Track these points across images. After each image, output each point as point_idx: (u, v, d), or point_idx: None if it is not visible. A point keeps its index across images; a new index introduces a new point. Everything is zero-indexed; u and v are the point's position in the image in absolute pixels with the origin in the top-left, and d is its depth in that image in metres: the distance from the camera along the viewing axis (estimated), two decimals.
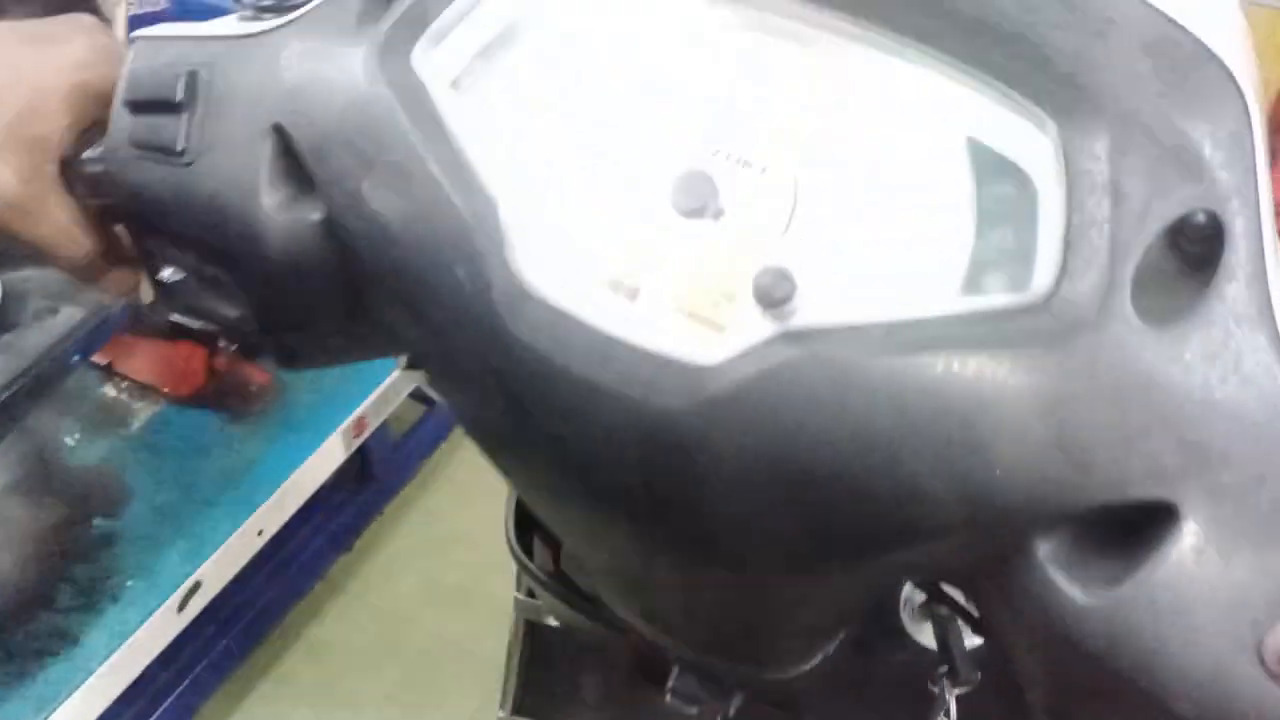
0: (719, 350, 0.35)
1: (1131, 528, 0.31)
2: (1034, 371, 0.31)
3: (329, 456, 1.82)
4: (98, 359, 1.81)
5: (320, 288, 0.45)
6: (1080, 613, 0.31)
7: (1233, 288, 0.31)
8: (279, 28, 0.44)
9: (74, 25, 0.51)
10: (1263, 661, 0.29)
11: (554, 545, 0.71)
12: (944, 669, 0.56)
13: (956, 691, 0.56)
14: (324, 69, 0.42)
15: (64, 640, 1.54)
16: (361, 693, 1.83)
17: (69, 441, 1.80)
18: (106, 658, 1.50)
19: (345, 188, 0.40)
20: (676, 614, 0.53)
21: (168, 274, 0.47)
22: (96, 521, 1.69)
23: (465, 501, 2.08)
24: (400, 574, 1.97)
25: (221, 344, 0.49)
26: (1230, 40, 0.33)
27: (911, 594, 0.59)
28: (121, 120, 0.46)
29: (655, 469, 0.37)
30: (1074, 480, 0.31)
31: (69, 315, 1.45)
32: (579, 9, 0.41)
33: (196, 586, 1.60)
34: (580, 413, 0.37)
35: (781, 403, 0.33)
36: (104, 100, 0.49)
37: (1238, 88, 0.32)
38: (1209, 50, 0.32)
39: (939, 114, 0.35)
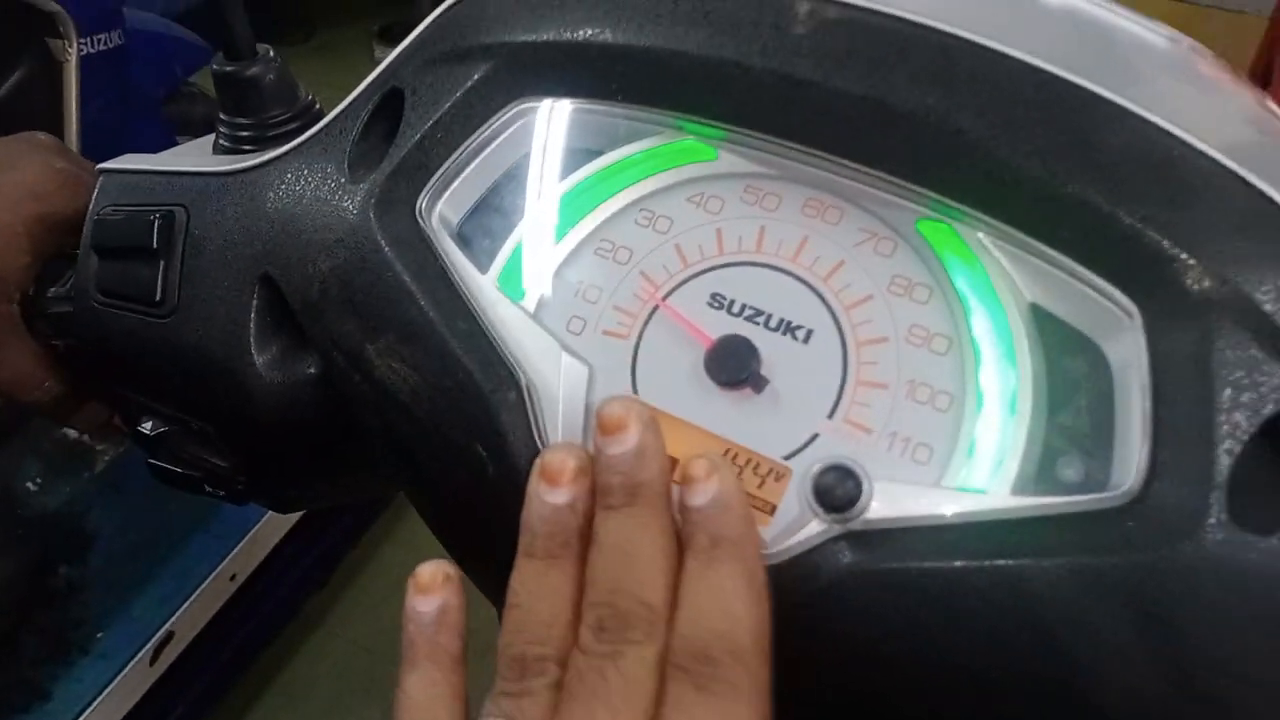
0: (771, 544, 0.32)
1: None
2: (1125, 583, 0.29)
3: None
4: None
5: (317, 441, 0.41)
6: None
7: None
8: (261, 165, 0.41)
9: (28, 147, 0.47)
10: None
11: None
12: None
13: None
14: (317, 217, 0.38)
15: (32, 695, 1.49)
16: None
17: (31, 486, 1.74)
18: (78, 715, 1.45)
19: (345, 352, 0.37)
20: None
21: (148, 426, 0.44)
22: (63, 569, 1.63)
23: None
24: (377, 609, 1.93)
25: (209, 490, 0.46)
26: None
27: None
28: (89, 265, 0.42)
29: None
30: (1173, 699, 0.29)
31: None
32: (588, 153, 0.37)
33: (169, 637, 1.55)
34: None
35: (844, 613, 0.31)
36: (66, 230, 0.45)
37: None
38: None
39: (1001, 280, 0.32)
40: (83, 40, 1.30)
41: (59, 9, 1.25)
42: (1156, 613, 0.28)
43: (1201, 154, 0.31)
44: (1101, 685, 0.29)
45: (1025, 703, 0.30)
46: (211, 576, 1.61)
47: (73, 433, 1.83)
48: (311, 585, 1.91)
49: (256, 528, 1.69)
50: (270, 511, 1.70)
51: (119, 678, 1.49)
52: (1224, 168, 0.30)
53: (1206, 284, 0.29)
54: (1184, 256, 0.29)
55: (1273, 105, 0.39)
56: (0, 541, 1.67)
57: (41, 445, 1.80)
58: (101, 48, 1.36)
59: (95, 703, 1.46)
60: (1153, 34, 0.38)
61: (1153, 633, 0.28)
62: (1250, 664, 0.28)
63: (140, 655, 1.51)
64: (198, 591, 1.59)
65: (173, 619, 1.55)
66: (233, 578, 1.65)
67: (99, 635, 1.54)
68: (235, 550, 1.65)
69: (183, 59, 1.76)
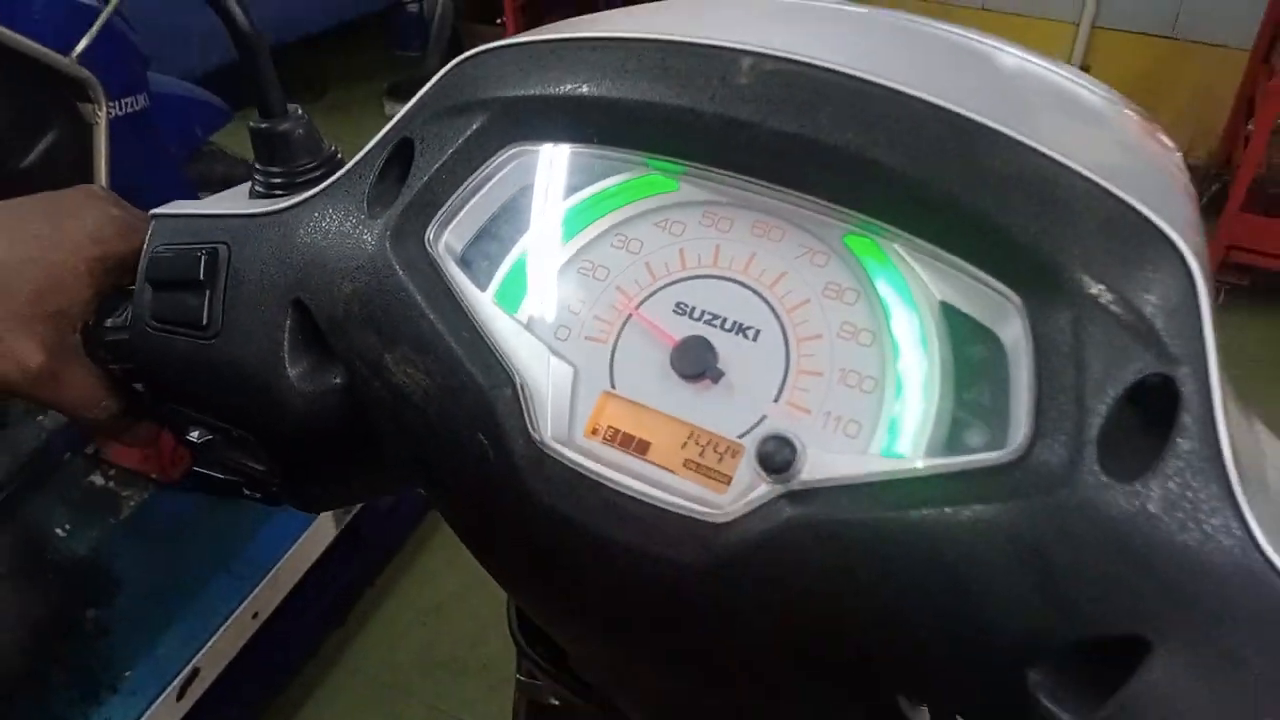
0: (727, 506, 0.38)
1: (1110, 658, 0.35)
2: (1013, 524, 0.34)
3: (321, 533, 1.84)
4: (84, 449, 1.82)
5: (343, 445, 0.48)
6: None
7: (1187, 444, 0.34)
8: (292, 207, 0.47)
9: (87, 198, 0.53)
10: None
11: None
12: None
13: None
14: (341, 248, 0.45)
15: None
16: None
17: (60, 532, 1.81)
18: None
19: (366, 361, 0.43)
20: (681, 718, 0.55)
21: (195, 435, 0.50)
22: (90, 611, 1.69)
23: (455, 568, 2.10)
24: (394, 645, 1.98)
25: (246, 493, 0.53)
26: (1173, 213, 0.37)
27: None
28: (144, 296, 0.49)
29: (670, 619, 0.40)
30: (1054, 620, 0.34)
31: (58, 412, 1.47)
32: (571, 188, 0.44)
33: (195, 673, 1.61)
34: (598, 565, 0.40)
35: (787, 559, 0.36)
36: (122, 269, 0.52)
37: (1184, 262, 0.35)
38: (1157, 228, 0.35)
39: (915, 283, 0.39)
40: (111, 104, 1.39)
41: (89, 75, 1.33)
42: (1039, 548, 0.34)
43: (1076, 174, 0.37)
44: (995, 615, 0.35)
45: (933, 635, 0.36)
46: (235, 615, 1.67)
47: (99, 480, 1.90)
48: (331, 622, 1.97)
49: (276, 568, 1.75)
50: (289, 553, 1.76)
51: (147, 714, 1.54)
52: (1095, 184, 0.37)
53: (1076, 278, 0.35)
54: (1057, 256, 0.35)
55: (1166, 140, 0.45)
56: (30, 587, 1.74)
57: (69, 494, 1.87)
58: (128, 110, 1.45)
59: None
60: (1066, 80, 0.44)
61: (1037, 566, 0.34)
62: (1114, 588, 0.34)
63: (167, 691, 1.56)
64: (222, 629, 1.64)
65: (198, 655, 1.60)
66: (255, 615, 1.71)
67: (127, 673, 1.60)
68: (256, 590, 1.71)
69: (203, 120, 1.86)
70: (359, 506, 1.92)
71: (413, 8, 3.98)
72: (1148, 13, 3.16)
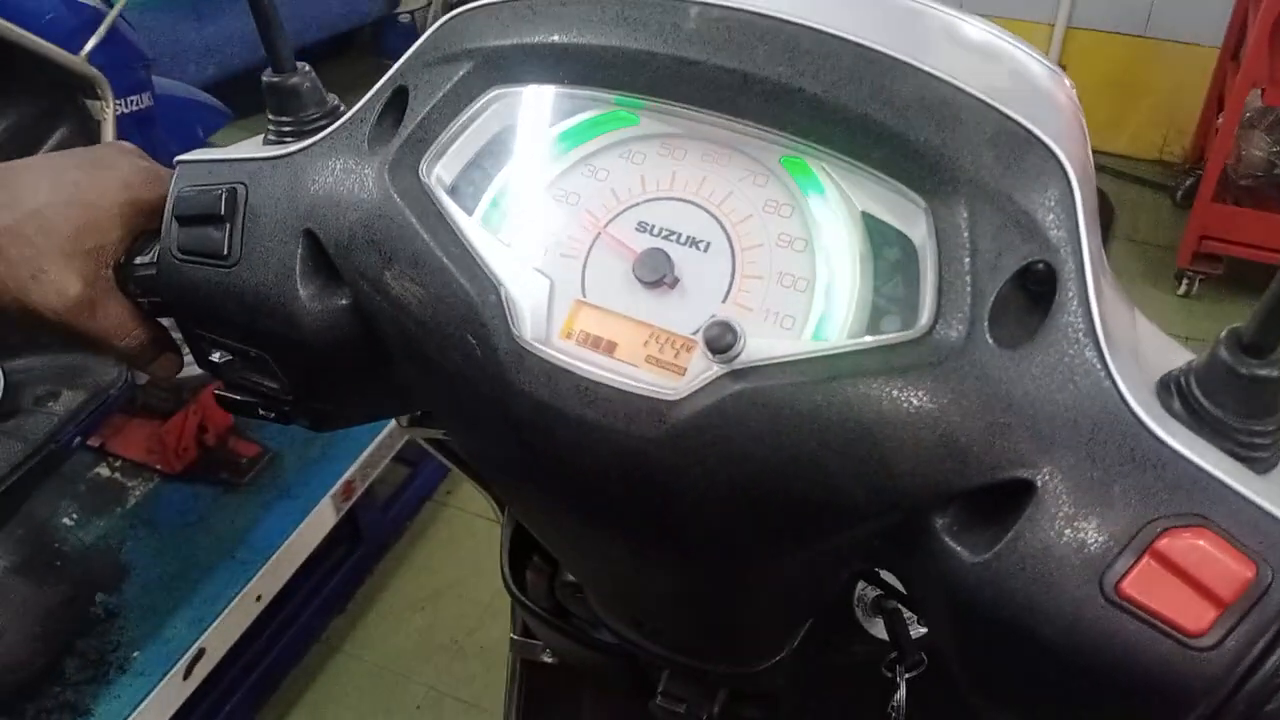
0: (680, 388, 0.44)
1: (1004, 501, 0.41)
2: (920, 390, 0.41)
3: (321, 521, 1.90)
4: (90, 441, 1.88)
5: (349, 360, 0.54)
6: (969, 570, 0.41)
7: (1065, 317, 0.40)
8: (303, 150, 0.54)
9: (118, 151, 0.60)
10: (1103, 593, 0.38)
11: (547, 574, 0.79)
12: (894, 655, 0.65)
13: (907, 675, 0.66)
14: (345, 183, 0.51)
15: (75, 713, 1.59)
16: None
17: (68, 522, 1.87)
18: None
19: (369, 279, 0.50)
20: (662, 615, 0.61)
21: (217, 356, 0.56)
22: (99, 597, 1.75)
23: (452, 556, 2.16)
24: (394, 630, 2.03)
25: (262, 413, 0.59)
26: (1056, 129, 0.43)
27: (864, 592, 0.68)
28: (172, 232, 0.55)
29: (635, 486, 0.46)
30: (955, 469, 0.41)
31: (69, 399, 1.53)
32: (546, 124, 0.50)
33: (201, 653, 1.67)
34: (573, 444, 0.46)
35: (730, 424, 0.43)
36: (150, 213, 0.58)
37: (1062, 165, 0.42)
38: (1038, 138, 0.42)
39: (839, 196, 0.45)
40: (116, 101, 1.45)
41: (97, 73, 1.40)
42: (940, 408, 0.40)
43: (971, 95, 0.43)
44: (904, 467, 0.41)
45: (852, 486, 0.42)
46: (238, 597, 1.72)
47: (105, 472, 1.96)
48: (333, 608, 2.02)
49: (277, 554, 1.81)
50: (290, 539, 1.82)
51: (154, 691, 1.59)
52: (986, 103, 0.43)
53: (969, 181, 0.42)
54: (954, 164, 0.42)
55: (1065, 80, 0.51)
56: (41, 575, 1.79)
57: (76, 486, 1.93)
58: (133, 109, 1.52)
59: (133, 716, 1.57)
60: (977, 28, 0.50)
61: (937, 423, 0.41)
62: (1002, 440, 0.40)
63: (174, 670, 1.62)
64: (226, 611, 1.70)
65: (204, 636, 1.66)
66: (259, 598, 1.77)
67: (135, 654, 1.66)
68: (259, 574, 1.77)
69: (204, 121, 1.93)
70: (356, 497, 1.98)
71: (404, 19, 4.06)
72: (1120, 12, 3.24)
